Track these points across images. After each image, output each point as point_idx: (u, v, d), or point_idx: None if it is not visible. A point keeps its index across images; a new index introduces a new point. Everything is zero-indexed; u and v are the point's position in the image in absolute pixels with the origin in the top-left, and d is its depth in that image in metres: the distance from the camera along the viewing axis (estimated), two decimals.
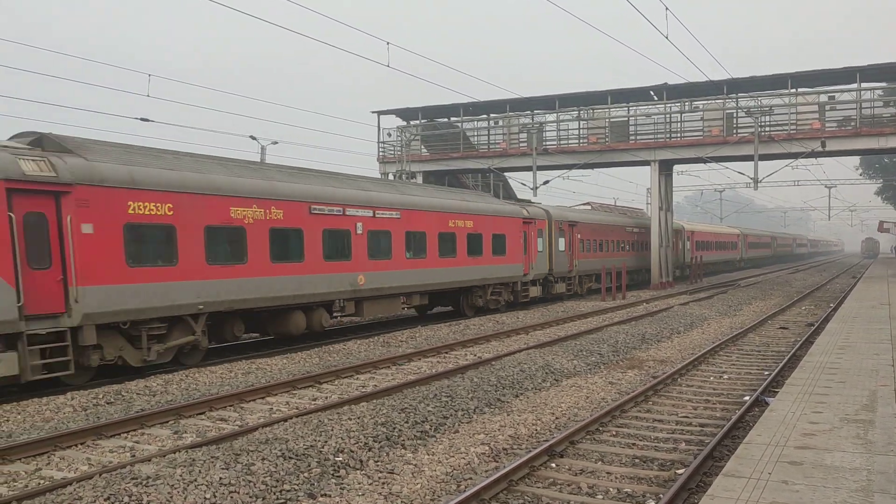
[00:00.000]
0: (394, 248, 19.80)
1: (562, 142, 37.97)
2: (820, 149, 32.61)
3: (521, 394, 11.91)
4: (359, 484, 7.49)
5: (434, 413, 10.06)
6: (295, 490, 7.21)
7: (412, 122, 41.27)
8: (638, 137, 36.48)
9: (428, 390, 11.20)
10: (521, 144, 38.44)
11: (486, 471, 8.00)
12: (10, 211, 11.16)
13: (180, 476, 7.09)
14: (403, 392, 11.26)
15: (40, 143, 12.64)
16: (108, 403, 11.25)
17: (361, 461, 8.19)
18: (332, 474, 7.74)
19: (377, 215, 19.16)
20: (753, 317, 23.98)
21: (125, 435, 9.53)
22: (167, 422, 10.16)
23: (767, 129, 33.59)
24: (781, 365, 13.69)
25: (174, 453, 8.02)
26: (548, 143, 37.89)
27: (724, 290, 35.07)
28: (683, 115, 35.83)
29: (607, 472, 7.94)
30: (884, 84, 33.77)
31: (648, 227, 39.60)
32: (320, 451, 8.13)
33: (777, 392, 10.00)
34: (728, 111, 34.77)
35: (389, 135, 41.00)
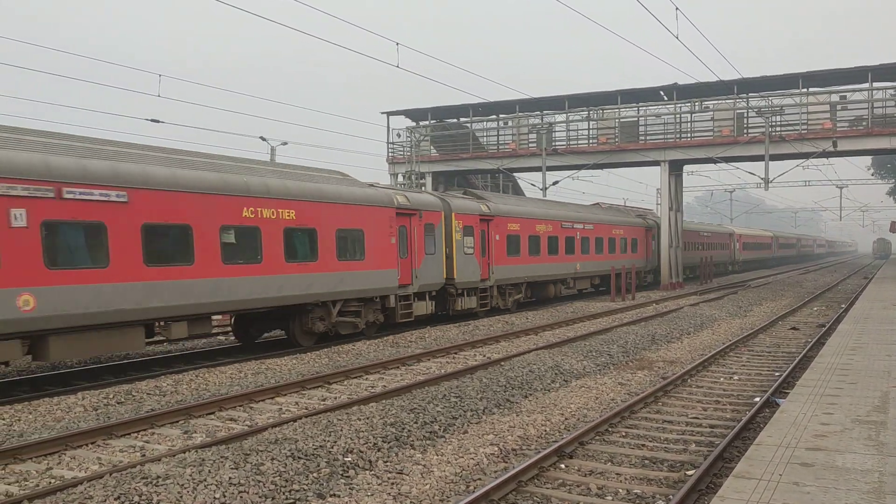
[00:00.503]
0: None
1: (571, 142, 37.91)
2: (831, 149, 32.44)
3: (531, 394, 11.89)
4: (368, 484, 7.50)
5: (443, 413, 10.05)
6: (304, 490, 7.22)
7: (421, 123, 41.29)
8: (648, 138, 36.38)
9: (437, 391, 11.19)
10: (531, 145, 38.41)
11: (496, 471, 7.99)
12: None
13: (190, 476, 7.11)
14: (412, 392, 11.26)
15: (472, 195, 24.79)
16: (118, 403, 11.30)
17: (370, 461, 8.19)
18: (342, 474, 7.75)
19: (584, 227, 32.15)
20: (764, 318, 23.86)
21: (135, 435, 9.56)
22: (177, 422, 10.19)
23: (778, 129, 33.43)
24: (792, 366, 13.61)
25: (184, 453, 8.04)
26: (557, 143, 37.84)
27: (734, 290, 34.91)
28: (693, 115, 35.72)
29: (617, 473, 7.91)
30: (895, 84, 33.54)
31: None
32: (329, 452, 8.13)
33: (788, 393, 9.95)
34: (738, 111, 34.63)
35: (399, 135, 41.05)
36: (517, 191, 44.27)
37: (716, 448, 8.39)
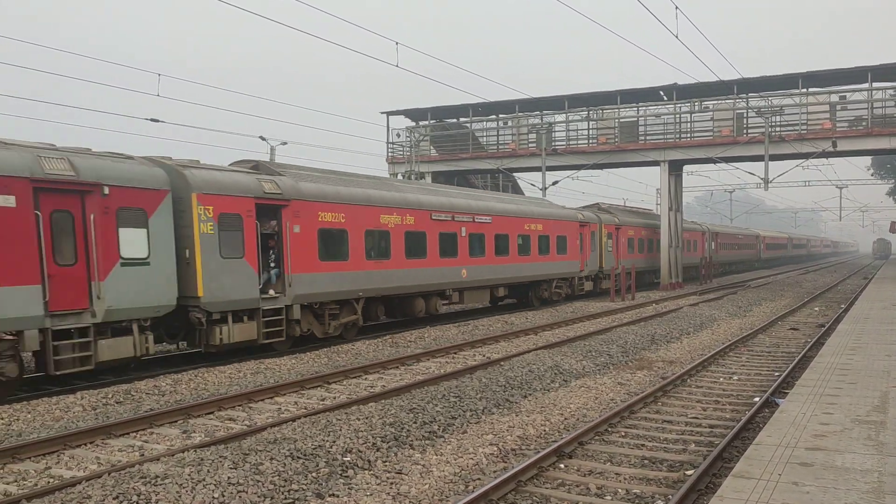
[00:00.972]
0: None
1: (571, 142, 37.89)
2: (831, 149, 32.43)
3: (530, 394, 11.88)
4: (367, 484, 7.49)
5: (442, 413, 10.05)
6: (303, 490, 7.21)
7: (421, 123, 41.27)
8: (647, 138, 36.36)
9: (436, 390, 11.19)
10: (531, 145, 38.38)
11: (495, 471, 7.99)
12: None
13: (189, 475, 7.10)
14: (412, 392, 11.26)
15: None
16: (117, 403, 11.29)
17: (369, 461, 8.18)
18: (341, 474, 7.74)
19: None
20: (764, 318, 23.86)
21: (134, 434, 9.56)
22: (176, 421, 10.18)
23: (778, 129, 33.41)
24: (792, 366, 13.60)
25: (183, 453, 8.04)
26: (557, 143, 37.81)
27: (733, 290, 34.91)
28: (693, 115, 35.69)
29: (616, 473, 7.91)
30: (895, 84, 33.53)
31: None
32: (328, 451, 8.13)
33: (787, 393, 9.95)
34: (738, 111, 34.61)
35: (398, 135, 41.02)
36: (517, 191, 44.25)
37: (715, 448, 8.38)
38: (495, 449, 8.72)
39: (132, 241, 13.09)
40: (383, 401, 10.56)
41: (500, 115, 40.40)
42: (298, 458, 7.84)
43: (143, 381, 12.56)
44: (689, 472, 7.80)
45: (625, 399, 11.67)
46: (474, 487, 7.42)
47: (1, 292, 11.10)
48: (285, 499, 7.01)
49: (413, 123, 41.60)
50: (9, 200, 11.18)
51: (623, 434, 9.56)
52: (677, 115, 35.70)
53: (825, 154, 33.70)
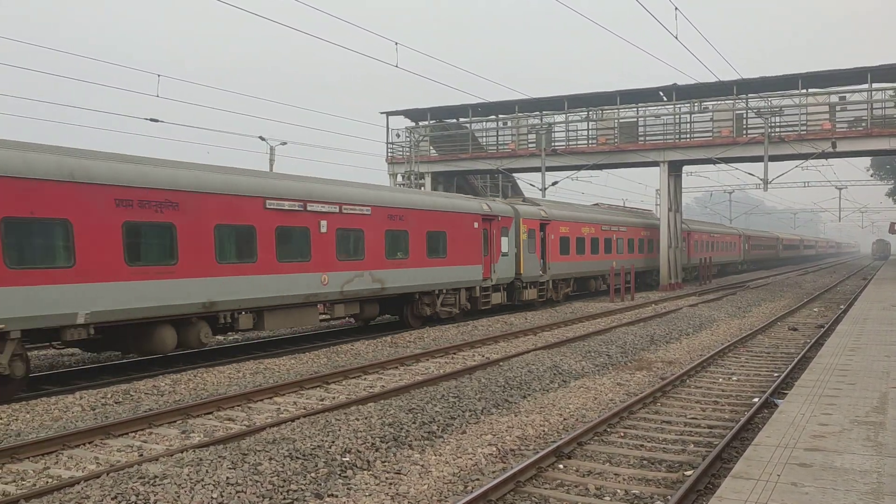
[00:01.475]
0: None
1: (571, 142, 37.90)
2: (830, 150, 32.44)
3: (529, 395, 11.88)
4: (366, 484, 7.48)
5: (441, 414, 10.04)
6: (302, 490, 7.21)
7: (421, 123, 41.27)
8: (647, 138, 36.37)
9: (435, 391, 11.18)
10: (530, 145, 38.40)
11: (494, 472, 7.98)
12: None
13: (187, 475, 7.09)
14: (411, 392, 11.25)
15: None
16: (116, 403, 11.28)
17: (368, 461, 8.18)
18: (339, 474, 7.73)
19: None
20: (763, 318, 23.86)
21: (133, 434, 9.55)
22: (175, 421, 10.17)
23: (777, 129, 33.43)
24: (791, 366, 13.61)
25: (181, 453, 8.02)
26: (556, 143, 37.82)
27: (733, 291, 34.92)
28: (693, 115, 35.70)
29: (615, 474, 7.90)
30: (895, 84, 33.53)
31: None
32: (327, 452, 8.12)
33: (787, 394, 9.94)
34: (738, 112, 34.62)
35: (398, 135, 41.01)
36: (516, 191, 44.26)
37: (714, 449, 8.38)
38: (494, 449, 8.72)
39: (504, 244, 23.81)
40: (382, 401, 10.55)
41: (500, 116, 40.42)
42: (297, 458, 7.83)
43: (141, 382, 12.55)
44: (688, 473, 7.80)
45: (624, 399, 11.66)
46: (473, 488, 7.41)
47: (472, 269, 22.36)
48: (284, 499, 7.00)
49: (413, 124, 41.60)
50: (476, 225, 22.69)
51: (622, 434, 9.55)
52: (677, 116, 35.72)
53: (824, 155, 33.72)
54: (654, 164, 36.72)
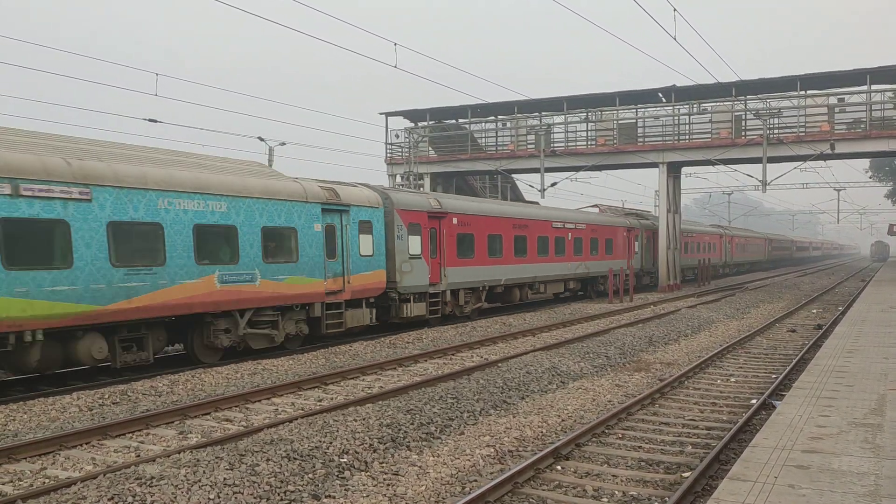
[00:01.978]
0: None
1: (570, 143, 37.90)
2: (829, 151, 32.45)
3: (527, 396, 11.87)
4: (363, 485, 7.47)
5: (439, 415, 10.04)
6: (299, 491, 7.20)
7: (420, 124, 41.26)
8: (646, 139, 36.38)
9: (434, 392, 11.18)
10: (529, 146, 38.39)
11: (492, 473, 7.97)
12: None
13: (184, 476, 7.08)
14: (409, 393, 11.25)
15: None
16: (113, 403, 11.27)
17: (366, 462, 8.17)
18: (337, 475, 7.72)
19: None
20: (761, 320, 23.86)
21: (130, 435, 9.54)
22: (172, 422, 10.16)
23: (776, 131, 33.45)
24: (789, 368, 13.60)
25: (179, 454, 8.01)
26: (556, 144, 37.83)
27: (731, 292, 34.93)
28: (692, 116, 35.72)
29: (613, 475, 7.90)
30: (894, 86, 33.55)
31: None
32: (325, 452, 8.11)
33: (784, 395, 9.94)
34: (736, 113, 34.64)
35: (397, 136, 41.00)
36: (515, 192, 44.27)
37: (712, 450, 8.37)
38: (492, 450, 8.71)
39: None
40: (380, 402, 10.54)
41: (499, 117, 40.42)
42: (295, 459, 7.83)
43: (139, 382, 12.54)
44: (685, 475, 7.80)
45: (622, 401, 11.66)
46: (471, 489, 7.40)
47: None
48: (281, 500, 6.99)
49: (412, 124, 41.59)
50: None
51: (620, 436, 9.55)
52: (676, 117, 35.73)
53: (823, 156, 33.74)
54: (653, 165, 36.74)
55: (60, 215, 12.10)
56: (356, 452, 8.30)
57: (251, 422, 10.17)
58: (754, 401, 11.30)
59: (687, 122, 35.69)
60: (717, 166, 37.11)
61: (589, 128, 37.60)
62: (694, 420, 10.40)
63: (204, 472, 7.24)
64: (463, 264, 22.84)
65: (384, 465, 8.19)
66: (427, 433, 9.34)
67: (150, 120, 26.26)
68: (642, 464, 8.31)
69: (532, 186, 37.97)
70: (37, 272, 11.73)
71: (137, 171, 13.52)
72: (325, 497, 7.15)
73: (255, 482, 7.16)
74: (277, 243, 16.10)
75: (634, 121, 36.87)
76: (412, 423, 9.50)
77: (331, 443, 8.37)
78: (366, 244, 18.71)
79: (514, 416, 10.47)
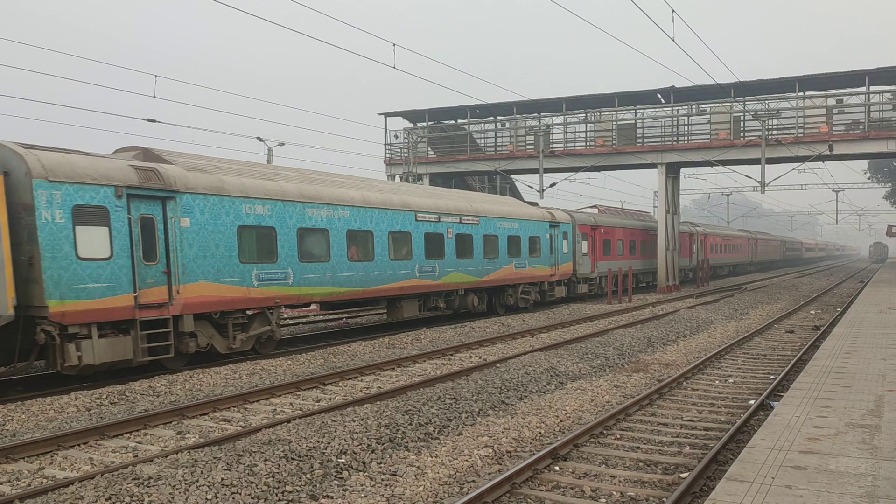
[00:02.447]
0: None
1: (569, 144, 37.91)
2: (827, 152, 32.47)
3: (526, 396, 11.87)
4: (361, 486, 7.47)
5: (438, 415, 10.04)
6: (297, 491, 7.20)
7: (419, 124, 41.26)
8: (645, 140, 36.39)
9: (432, 392, 11.17)
10: (528, 147, 38.39)
11: (490, 473, 7.97)
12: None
13: (182, 476, 7.08)
14: (407, 394, 11.24)
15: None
16: (111, 404, 11.26)
17: (364, 463, 8.17)
18: (335, 476, 7.72)
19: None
20: (760, 321, 23.88)
21: (128, 435, 9.53)
22: (170, 422, 10.16)
23: (775, 132, 33.47)
24: (787, 369, 13.61)
25: (176, 454, 8.01)
26: (554, 145, 37.84)
27: (730, 293, 34.94)
28: (690, 118, 35.72)
29: (611, 476, 7.90)
30: (893, 87, 33.56)
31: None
32: (323, 453, 8.11)
33: (782, 396, 9.94)
34: (735, 114, 34.65)
35: (396, 136, 40.99)
36: (514, 193, 44.27)
37: (710, 451, 8.38)
38: (490, 451, 8.71)
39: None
40: (379, 402, 10.54)
41: (498, 117, 40.42)
42: (293, 459, 7.83)
43: (137, 382, 12.53)
44: (683, 475, 7.80)
45: (620, 401, 11.66)
46: (469, 489, 7.41)
47: None
48: (279, 500, 6.99)
49: (411, 125, 41.59)
50: None
51: (618, 436, 9.55)
52: (674, 118, 35.76)
53: (822, 157, 33.74)
54: (652, 166, 36.75)
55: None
56: (354, 453, 8.30)
57: (249, 422, 10.17)
58: (752, 402, 11.30)
59: (686, 123, 35.71)
60: (715, 167, 37.13)
61: (588, 128, 37.61)
62: (692, 421, 10.40)
63: (202, 472, 7.24)
64: (606, 259, 33.98)
65: (382, 465, 8.19)
66: (425, 434, 9.34)
67: (150, 120, 26.25)
68: (640, 464, 8.32)
69: (531, 187, 37.97)
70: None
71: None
72: (323, 497, 7.15)
73: (252, 482, 7.16)
74: (532, 245, 26.84)
75: (633, 122, 36.89)
76: (410, 424, 9.50)
77: (329, 443, 8.37)
78: (565, 246, 29.42)
79: (512, 417, 10.47)
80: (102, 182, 12.50)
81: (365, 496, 7.18)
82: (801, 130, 33.20)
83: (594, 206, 40.02)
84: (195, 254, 14.05)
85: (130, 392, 11.85)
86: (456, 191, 25.48)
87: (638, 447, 9.04)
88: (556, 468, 8.17)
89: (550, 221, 28.18)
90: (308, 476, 7.55)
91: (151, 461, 7.83)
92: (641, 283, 40.05)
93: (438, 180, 40.63)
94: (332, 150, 39.48)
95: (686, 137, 35.54)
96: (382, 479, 7.69)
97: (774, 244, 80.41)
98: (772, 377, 13.54)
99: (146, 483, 6.88)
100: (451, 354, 16.30)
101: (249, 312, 15.60)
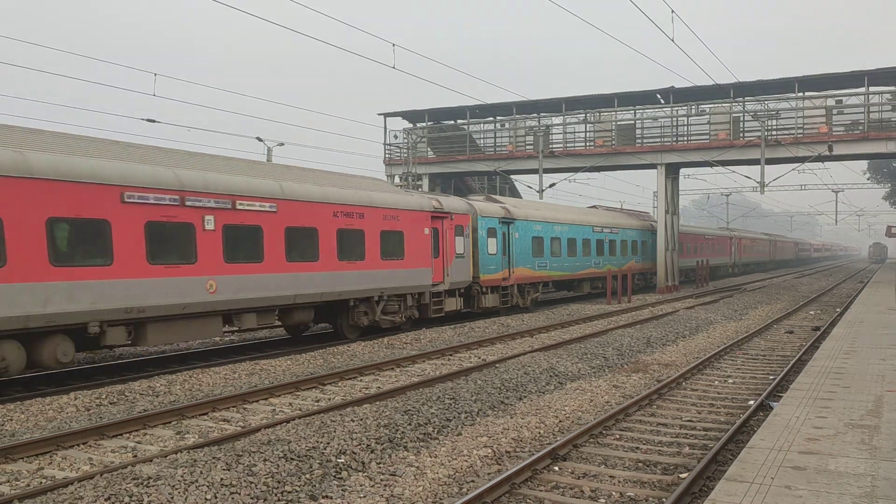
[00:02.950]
0: None
1: (568, 145, 37.93)
2: (827, 153, 32.49)
3: (525, 397, 11.87)
4: (360, 486, 7.47)
5: (437, 415, 10.03)
6: (296, 491, 7.20)
7: (418, 125, 41.27)
8: (644, 141, 36.41)
9: (431, 392, 11.17)
10: (528, 147, 38.41)
11: (489, 473, 7.97)
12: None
13: (181, 476, 7.08)
14: (407, 394, 11.24)
15: None
16: (111, 404, 11.26)
17: (363, 463, 8.17)
18: (334, 476, 7.72)
19: None
20: (759, 321, 23.89)
21: (127, 435, 9.53)
22: (170, 422, 10.15)
23: (774, 132, 33.49)
24: (787, 369, 13.62)
25: (176, 454, 8.01)
26: (554, 145, 37.86)
27: (730, 294, 34.96)
28: (690, 118, 35.74)
29: (610, 476, 7.90)
30: (892, 88, 33.58)
31: None
32: (322, 453, 8.11)
33: (782, 396, 9.95)
34: (735, 115, 34.67)
35: (396, 137, 40.99)
36: (514, 193, 44.28)
37: (709, 451, 8.38)
38: (490, 451, 8.71)
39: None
40: (378, 402, 10.54)
41: (498, 117, 40.43)
42: (292, 459, 7.82)
43: (137, 382, 12.53)
44: (682, 476, 7.80)
45: (620, 402, 11.67)
46: (468, 490, 7.40)
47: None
48: (278, 500, 6.99)
49: (410, 125, 41.60)
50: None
51: (618, 437, 9.55)
52: (674, 119, 35.77)
53: (821, 158, 33.76)
54: (652, 166, 36.78)
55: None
56: (353, 453, 8.30)
57: (248, 422, 10.17)
58: (752, 402, 11.31)
59: (685, 123, 35.73)
60: (715, 168, 37.15)
61: (587, 129, 37.63)
62: (691, 421, 10.40)
63: (201, 472, 7.23)
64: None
65: (381, 465, 8.19)
66: (424, 434, 9.34)
67: (149, 120, 26.26)
68: (640, 465, 8.32)
69: (531, 187, 38.00)
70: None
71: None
72: (323, 497, 7.15)
73: (252, 482, 7.16)
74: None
75: (633, 122, 36.91)
76: (410, 424, 9.50)
77: (328, 443, 8.37)
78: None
79: (511, 417, 10.47)
80: (494, 215, 25.03)
81: (364, 496, 7.17)
82: (800, 131, 33.22)
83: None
84: (518, 251, 26.14)
85: (130, 392, 11.85)
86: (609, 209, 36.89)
87: (637, 447, 9.04)
88: (556, 468, 8.17)
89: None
90: (307, 476, 7.55)
91: (151, 461, 7.82)
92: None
93: (438, 181, 40.64)
94: (332, 151, 39.47)
95: (685, 138, 35.56)
96: (382, 480, 7.69)
97: (789, 245, 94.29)
98: (771, 377, 13.55)
99: (145, 483, 6.87)
100: (451, 355, 16.30)
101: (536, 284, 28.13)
